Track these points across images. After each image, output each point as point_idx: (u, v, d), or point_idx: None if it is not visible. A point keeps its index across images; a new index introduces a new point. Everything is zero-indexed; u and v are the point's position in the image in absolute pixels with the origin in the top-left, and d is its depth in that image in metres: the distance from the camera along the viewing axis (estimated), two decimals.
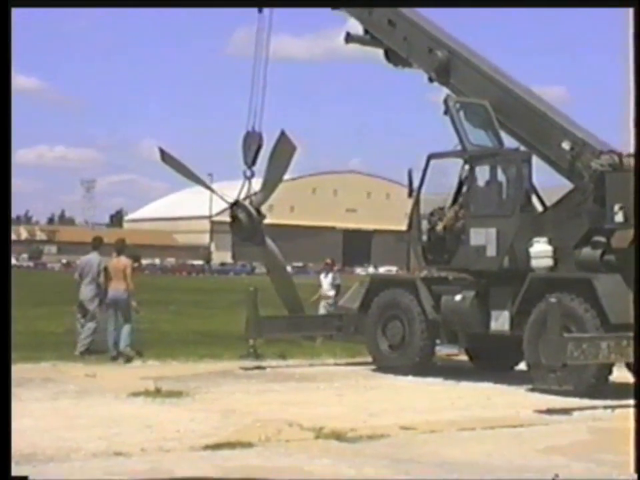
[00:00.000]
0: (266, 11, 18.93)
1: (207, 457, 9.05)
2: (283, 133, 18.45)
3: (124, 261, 17.60)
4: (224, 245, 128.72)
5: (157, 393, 12.93)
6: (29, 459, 8.65)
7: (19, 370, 15.15)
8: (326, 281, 22.47)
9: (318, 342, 20.00)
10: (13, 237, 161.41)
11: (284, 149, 18.50)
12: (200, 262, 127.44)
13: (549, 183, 17.01)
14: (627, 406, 10.44)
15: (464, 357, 17.82)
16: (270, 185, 19.15)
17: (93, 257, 18.13)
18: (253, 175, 19.27)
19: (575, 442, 10.55)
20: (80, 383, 14.04)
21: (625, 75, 8.69)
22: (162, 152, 19.74)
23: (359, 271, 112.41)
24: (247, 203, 19.08)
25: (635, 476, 7.59)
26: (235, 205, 19.14)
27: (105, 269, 17.80)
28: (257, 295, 17.53)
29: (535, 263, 15.05)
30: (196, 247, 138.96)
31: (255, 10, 19.06)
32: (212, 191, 21.86)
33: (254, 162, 19.21)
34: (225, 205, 19.96)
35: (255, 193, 19.31)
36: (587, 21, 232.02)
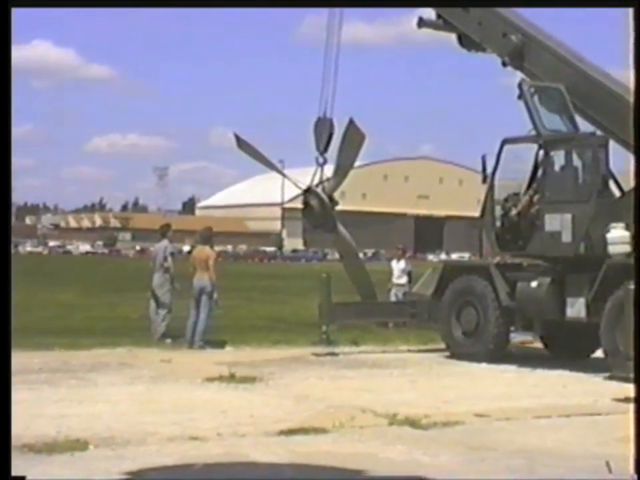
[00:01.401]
0: None
1: (281, 443, 9.05)
2: (351, 122, 18.41)
3: (207, 251, 17.55)
4: (295, 232, 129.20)
5: (231, 378, 12.99)
6: (107, 442, 8.74)
7: (95, 355, 15.48)
8: (397, 267, 22.40)
9: (390, 327, 19.95)
10: (88, 224, 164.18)
11: (353, 137, 18.47)
12: (272, 248, 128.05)
13: (627, 168, 16.66)
14: None
15: (539, 345, 17.61)
16: (341, 172, 19.13)
17: (161, 245, 18.29)
18: (325, 161, 19.26)
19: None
20: (155, 368, 14.17)
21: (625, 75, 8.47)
22: (237, 138, 19.85)
23: (431, 257, 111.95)
24: (319, 189, 19.08)
25: (635, 476, 7.43)
26: (308, 191, 19.15)
27: (173, 254, 17.92)
28: (329, 281, 17.52)
29: (611, 249, 14.80)
30: (268, 234, 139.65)
31: None
32: (285, 176, 21.91)
33: (326, 149, 19.20)
34: (296, 192, 20.04)
35: (327, 179, 19.30)
36: None
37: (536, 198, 16.06)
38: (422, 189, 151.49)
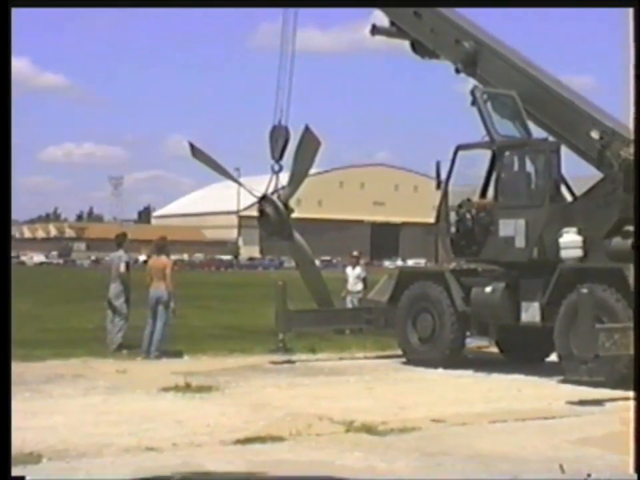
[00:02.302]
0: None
1: (238, 451, 9.04)
2: (307, 129, 18.44)
3: (164, 260, 17.42)
4: (252, 240, 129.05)
5: (187, 387, 12.94)
6: (61, 455, 8.66)
7: (49, 366, 15.31)
8: (352, 274, 22.41)
9: (346, 333, 19.98)
10: (42, 234, 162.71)
11: (309, 144, 18.50)
12: (228, 257, 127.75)
13: (578, 173, 16.89)
14: None
15: (494, 349, 17.73)
16: (296, 179, 19.15)
17: (117, 254, 18.18)
18: (280, 169, 19.26)
19: (608, 433, 10.43)
20: (110, 379, 14.07)
21: (625, 75, 8.58)
22: (192, 147, 19.81)
23: (387, 264, 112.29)
24: (274, 197, 19.07)
25: (635, 476, 7.51)
26: (263, 199, 19.13)
27: (128, 264, 17.80)
28: (285, 289, 17.50)
29: (564, 253, 14.95)
30: (224, 242, 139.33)
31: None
32: (241, 185, 21.89)
33: (281, 156, 19.21)
34: (252, 200, 20.01)
35: (283, 187, 19.30)
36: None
37: (489, 203, 16.18)
38: (378, 195, 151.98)
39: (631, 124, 8.52)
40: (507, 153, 16.09)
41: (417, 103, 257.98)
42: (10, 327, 6.52)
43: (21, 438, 9.22)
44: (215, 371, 15.10)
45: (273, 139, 19.21)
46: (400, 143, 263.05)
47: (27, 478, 6.87)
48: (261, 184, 19.68)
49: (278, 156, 19.19)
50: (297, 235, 19.47)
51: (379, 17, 18.65)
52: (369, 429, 10.15)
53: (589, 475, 8.07)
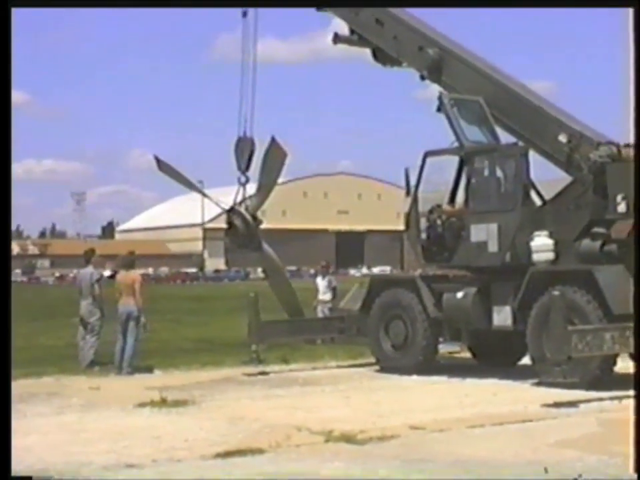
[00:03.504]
0: (251, 15, 18.83)
1: (219, 465, 8.98)
2: (273, 140, 18.43)
3: (132, 275, 17.30)
4: (217, 252, 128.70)
5: (163, 403, 12.86)
6: (40, 474, 8.55)
7: (21, 386, 15.10)
8: (322, 284, 22.40)
9: (318, 343, 19.96)
10: None
11: (275, 155, 18.49)
12: (194, 269, 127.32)
13: (544, 176, 16.99)
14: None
15: (467, 354, 17.78)
16: (264, 191, 19.11)
17: (87, 271, 18.03)
18: (247, 180, 19.21)
19: (585, 435, 10.50)
20: (84, 396, 13.94)
21: (625, 75, 8.67)
22: (158, 160, 19.71)
23: (353, 272, 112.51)
24: (242, 209, 19.02)
25: (635, 476, 7.55)
26: (231, 211, 19.09)
27: (98, 280, 17.66)
28: (257, 300, 17.45)
29: (536, 256, 15.03)
30: (189, 255, 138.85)
31: (237, 14, 18.95)
32: (208, 198, 21.80)
33: (247, 167, 19.16)
34: (217, 212, 20.01)
35: (250, 197, 19.26)
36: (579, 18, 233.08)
37: (460, 209, 16.25)
38: (341, 204, 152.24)
39: (631, 124, 8.58)
40: (477, 159, 16.15)
41: (378, 111, 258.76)
42: (10, 333, 6.46)
43: None
44: (189, 384, 15.02)
45: (239, 151, 19.16)
46: (362, 152, 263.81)
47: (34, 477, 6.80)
48: (225, 195, 19.64)
49: (244, 167, 19.15)
50: (265, 246, 19.42)
51: (340, 25, 18.68)
52: (348, 439, 10.13)
53: (579, 476, 8.12)
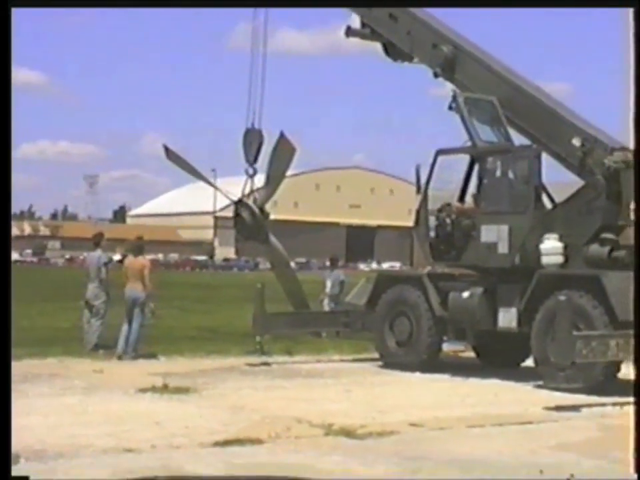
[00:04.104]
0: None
1: (217, 454, 9.02)
2: (282, 135, 18.46)
3: (141, 260, 17.28)
4: (227, 241, 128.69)
5: (165, 389, 12.91)
6: (39, 455, 8.61)
7: (25, 366, 15.19)
8: (330, 277, 22.40)
9: (323, 336, 19.98)
10: (17, 232, 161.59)
11: (284, 150, 18.51)
12: (203, 257, 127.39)
13: (553, 179, 16.94)
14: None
15: (471, 354, 17.77)
16: (272, 185, 19.16)
17: (95, 254, 18.08)
18: (255, 172, 19.26)
19: (584, 439, 10.51)
20: (87, 379, 14.00)
21: (625, 75, 8.64)
22: (166, 149, 19.78)
23: (363, 266, 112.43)
24: (250, 201, 19.04)
25: (635, 476, 7.56)
26: (239, 203, 19.11)
27: (106, 264, 17.70)
28: (263, 291, 17.48)
29: (545, 259, 14.99)
30: (199, 243, 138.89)
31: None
32: (216, 188, 21.89)
33: (255, 159, 19.21)
34: (228, 201, 19.94)
35: (258, 189, 19.28)
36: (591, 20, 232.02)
37: (470, 209, 16.23)
38: (353, 198, 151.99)
39: (631, 124, 8.56)
40: (489, 159, 16.11)
41: (393, 105, 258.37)
42: (10, 324, 6.48)
43: None
44: (192, 372, 15.06)
45: (247, 143, 19.21)
46: (376, 146, 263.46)
47: (31, 478, 6.85)
48: (238, 185, 19.65)
49: (252, 159, 19.18)
50: (272, 239, 19.46)
51: (355, 18, 18.64)
52: (347, 433, 10.15)
53: (571, 475, 8.12)
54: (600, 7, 13.08)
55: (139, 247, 17.80)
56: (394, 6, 17.65)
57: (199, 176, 20.73)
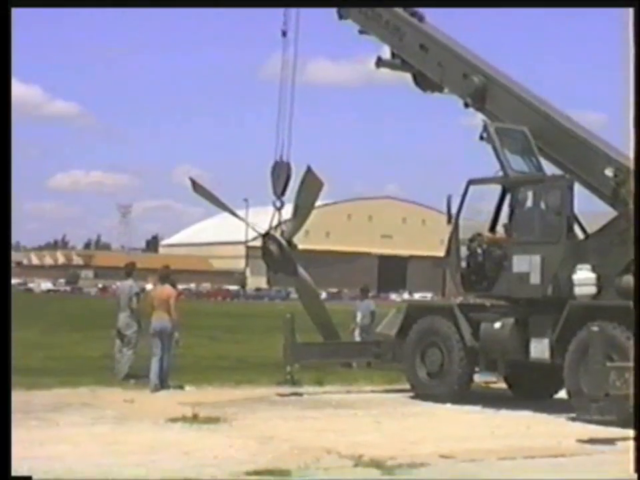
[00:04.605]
0: (291, 36, 19.00)
1: None
2: (309, 169, 18.49)
3: (168, 290, 17.03)
4: (259, 270, 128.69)
5: (195, 419, 12.88)
6: None
7: (56, 395, 15.25)
8: (361, 307, 22.34)
9: (354, 367, 19.90)
10: (50, 261, 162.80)
11: (311, 185, 18.55)
12: (235, 287, 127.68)
13: (584, 208, 16.83)
14: None
15: (503, 385, 17.62)
16: (299, 219, 19.17)
17: (127, 284, 18.12)
18: (282, 205, 19.27)
19: (619, 473, 10.34)
20: (118, 409, 14.02)
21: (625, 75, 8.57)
22: (193, 182, 19.93)
23: (394, 297, 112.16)
24: (277, 234, 19.06)
25: (635, 476, 7.45)
26: (266, 236, 19.14)
27: (137, 294, 17.70)
28: (293, 321, 17.45)
29: (578, 290, 14.86)
30: (231, 272, 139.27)
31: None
32: (243, 220, 22.05)
33: (283, 192, 19.22)
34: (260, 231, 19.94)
35: (285, 221, 19.29)
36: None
37: (502, 239, 16.15)
38: (385, 228, 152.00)
39: (630, 124, 8.49)
40: (522, 189, 16.04)
41: (425, 136, 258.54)
42: (10, 337, 6.49)
43: (28, 466, 9.19)
44: (222, 402, 15.03)
45: (275, 175, 19.25)
46: (408, 176, 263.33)
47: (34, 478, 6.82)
48: (270, 215, 19.67)
49: (280, 192, 19.21)
50: (301, 270, 19.45)
51: (385, 49, 18.68)
52: (377, 464, 10.07)
53: None
54: (600, 7, 13.02)
55: (165, 275, 17.54)
56: (395, 6, 17.69)
57: (225, 208, 20.80)
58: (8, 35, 6.54)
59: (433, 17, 18.20)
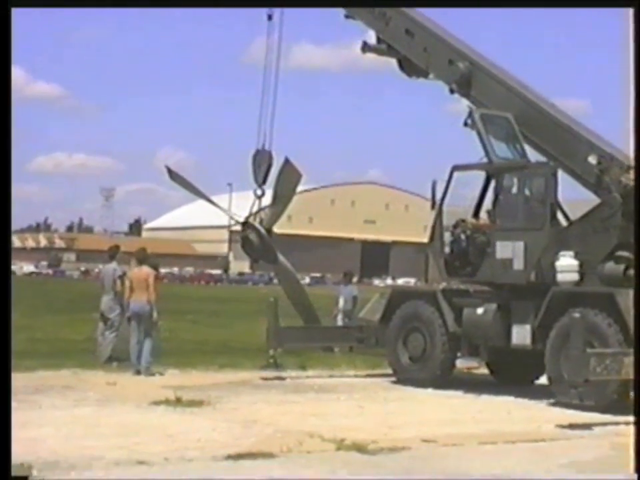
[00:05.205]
0: (276, 20, 18.98)
1: (229, 468, 9.02)
2: (287, 161, 18.49)
3: (146, 270, 16.84)
4: (242, 255, 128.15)
5: (178, 402, 12.91)
6: (51, 467, 8.62)
7: (39, 377, 15.25)
8: (343, 293, 22.39)
9: (336, 351, 19.97)
10: (32, 244, 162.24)
11: (289, 176, 18.57)
12: (218, 271, 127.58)
13: (567, 196, 16.91)
14: None
15: (484, 370, 17.73)
16: (278, 209, 19.19)
17: (110, 267, 18.10)
18: (263, 193, 19.27)
19: (597, 457, 10.46)
20: (101, 391, 14.04)
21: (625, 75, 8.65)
22: (169, 170, 19.96)
23: (377, 282, 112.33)
24: (257, 222, 19.06)
25: (635, 476, 7.53)
26: (245, 225, 19.14)
27: (121, 277, 17.64)
28: (277, 305, 17.50)
29: (560, 277, 14.95)
30: (214, 256, 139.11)
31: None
32: (221, 209, 22.10)
33: (264, 181, 19.22)
34: (245, 213, 19.93)
35: (264, 208, 19.31)
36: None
37: (485, 225, 16.21)
38: (368, 213, 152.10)
39: (631, 124, 8.57)
40: (506, 175, 16.11)
41: (408, 121, 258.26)
42: (10, 324, 6.52)
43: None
44: (206, 385, 15.07)
45: (256, 164, 19.23)
46: (392, 162, 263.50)
47: (30, 478, 6.86)
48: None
49: (261, 181, 19.20)
50: (281, 258, 19.48)
51: (371, 34, 18.66)
52: (359, 448, 10.13)
53: None
54: (600, 7, 13.10)
55: (142, 258, 17.18)
56: (395, 6, 17.70)
57: (202, 196, 20.80)
58: (8, 35, 6.54)
59: (434, 17, 18.17)
